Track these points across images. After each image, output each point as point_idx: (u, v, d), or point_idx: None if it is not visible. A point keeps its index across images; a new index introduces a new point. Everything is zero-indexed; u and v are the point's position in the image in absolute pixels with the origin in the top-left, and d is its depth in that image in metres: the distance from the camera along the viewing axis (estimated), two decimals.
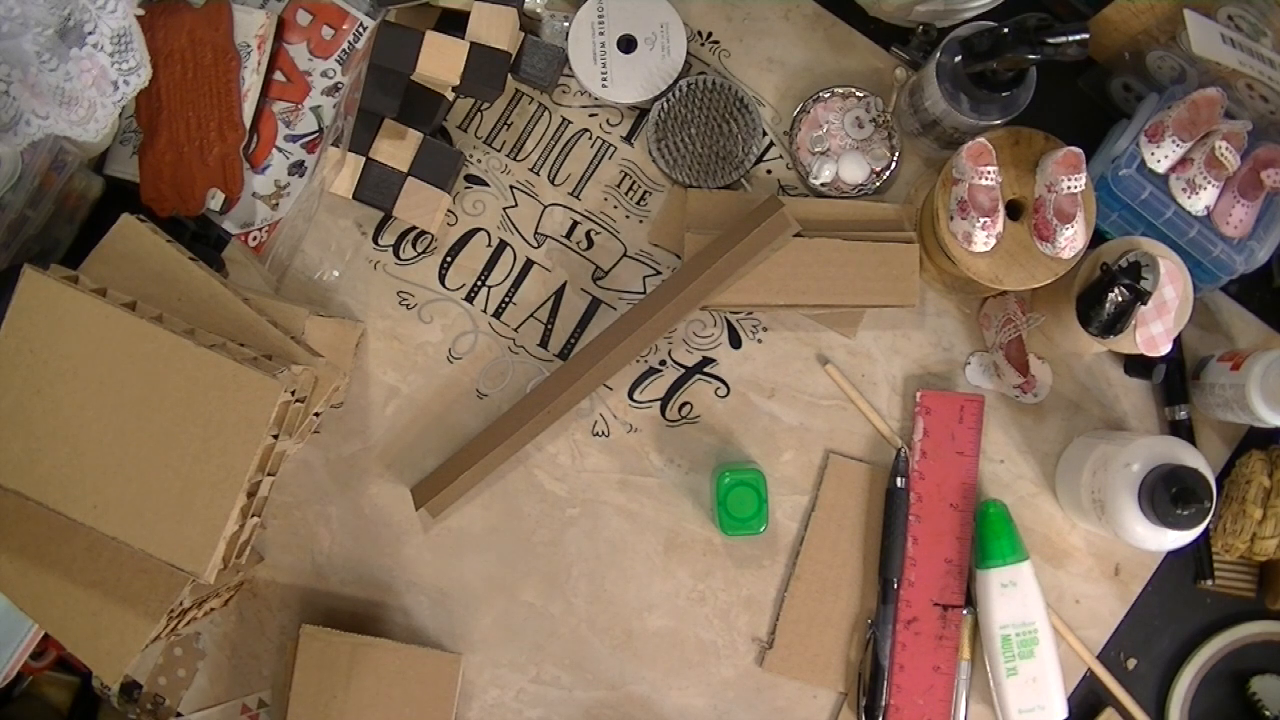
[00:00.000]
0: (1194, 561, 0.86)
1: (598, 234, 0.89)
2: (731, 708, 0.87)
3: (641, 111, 0.89)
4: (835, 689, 0.86)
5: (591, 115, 0.90)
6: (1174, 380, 0.86)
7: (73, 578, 0.74)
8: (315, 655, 0.83)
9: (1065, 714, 0.83)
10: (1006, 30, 0.75)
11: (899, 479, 0.85)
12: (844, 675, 0.86)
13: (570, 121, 0.90)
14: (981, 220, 0.77)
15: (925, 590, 0.85)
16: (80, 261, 0.78)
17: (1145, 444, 0.77)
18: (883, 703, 0.84)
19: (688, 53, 0.87)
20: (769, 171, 0.89)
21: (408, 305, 0.89)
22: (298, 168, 0.87)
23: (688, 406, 0.88)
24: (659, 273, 0.89)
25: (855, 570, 0.86)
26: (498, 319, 0.89)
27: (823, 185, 0.87)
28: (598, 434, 0.88)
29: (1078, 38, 0.73)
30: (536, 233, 0.89)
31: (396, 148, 0.86)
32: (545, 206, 0.90)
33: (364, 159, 0.86)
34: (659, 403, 0.88)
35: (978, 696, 0.86)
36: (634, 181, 0.89)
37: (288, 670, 0.85)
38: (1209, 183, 0.78)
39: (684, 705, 0.87)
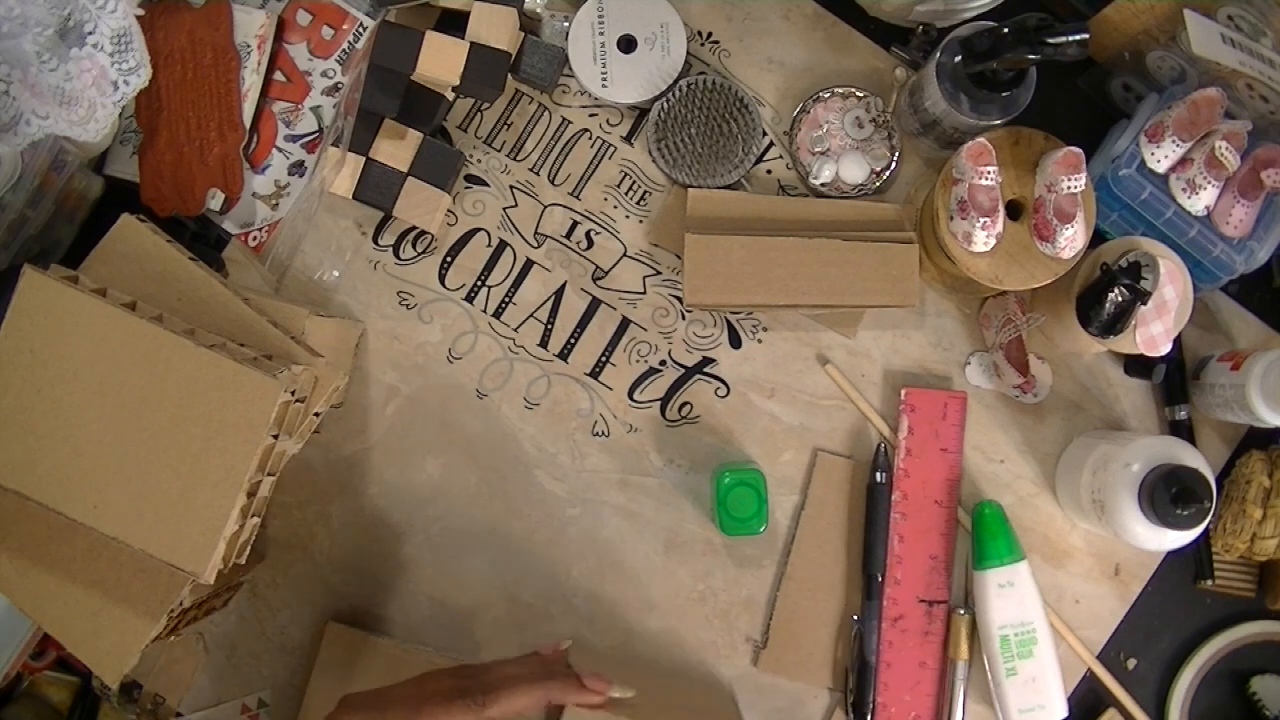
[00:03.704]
0: (1194, 561, 0.86)
1: (598, 234, 0.89)
2: None
3: (641, 111, 0.89)
4: (827, 687, 0.86)
5: (591, 115, 0.90)
6: (1174, 380, 0.86)
7: (73, 578, 0.74)
8: (337, 654, 0.83)
9: (1065, 714, 0.83)
10: (1006, 30, 0.74)
11: (879, 474, 0.85)
12: (835, 673, 0.86)
13: (570, 121, 0.90)
14: (981, 220, 0.77)
15: (911, 588, 0.85)
16: (80, 261, 0.78)
17: (1145, 444, 0.77)
18: (870, 699, 0.84)
19: (688, 53, 0.87)
20: (769, 171, 0.89)
21: (408, 305, 0.89)
22: (298, 168, 0.87)
23: (688, 406, 0.88)
24: (659, 273, 0.89)
25: (844, 567, 0.86)
26: (498, 319, 0.89)
27: (823, 185, 0.87)
28: (598, 434, 0.88)
29: (1078, 38, 0.73)
30: (536, 233, 0.89)
31: (396, 148, 0.86)
32: (545, 206, 0.90)
33: (364, 159, 0.86)
34: (659, 403, 0.88)
35: (978, 696, 0.86)
36: (634, 181, 0.89)
37: (307, 666, 0.85)
38: (1209, 183, 0.78)
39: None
